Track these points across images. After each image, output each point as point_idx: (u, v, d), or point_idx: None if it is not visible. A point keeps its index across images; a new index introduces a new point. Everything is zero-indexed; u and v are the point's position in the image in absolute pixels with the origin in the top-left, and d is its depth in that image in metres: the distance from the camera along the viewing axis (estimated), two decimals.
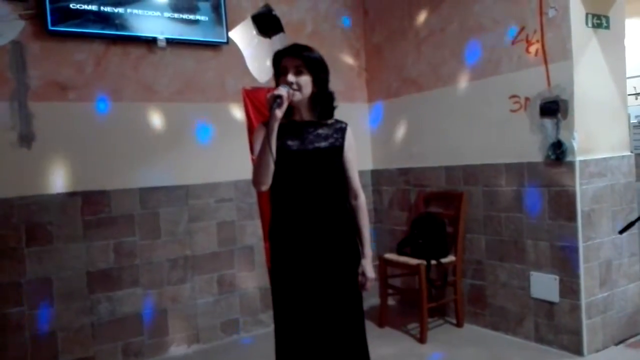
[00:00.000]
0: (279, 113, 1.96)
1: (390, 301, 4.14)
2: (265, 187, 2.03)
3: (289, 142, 2.10)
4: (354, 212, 2.20)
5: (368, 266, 2.19)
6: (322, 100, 2.14)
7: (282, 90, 1.99)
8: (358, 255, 2.19)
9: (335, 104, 2.18)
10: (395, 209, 4.40)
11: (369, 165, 4.57)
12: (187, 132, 3.66)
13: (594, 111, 3.20)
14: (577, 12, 3.13)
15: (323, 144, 2.13)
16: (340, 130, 2.18)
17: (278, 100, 1.96)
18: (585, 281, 3.13)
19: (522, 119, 3.38)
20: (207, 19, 3.64)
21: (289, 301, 2.12)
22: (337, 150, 2.15)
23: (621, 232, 2.61)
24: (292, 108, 2.10)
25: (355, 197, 2.21)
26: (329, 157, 2.14)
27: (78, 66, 3.28)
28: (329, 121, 2.19)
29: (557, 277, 3.23)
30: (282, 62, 2.10)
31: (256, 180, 2.03)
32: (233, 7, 3.79)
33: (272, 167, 1.97)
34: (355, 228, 2.20)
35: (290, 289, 2.12)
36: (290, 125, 2.12)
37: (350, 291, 2.16)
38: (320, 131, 2.15)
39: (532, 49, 3.29)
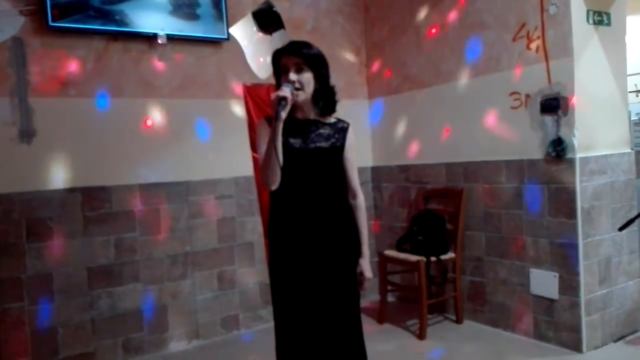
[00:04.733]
0: (284, 115, 1.93)
1: (390, 298, 4.15)
2: (275, 187, 2.02)
3: (292, 140, 2.09)
4: (352, 211, 2.20)
5: (366, 265, 2.19)
6: (324, 96, 2.14)
7: (286, 91, 1.96)
8: (357, 254, 2.19)
9: (336, 98, 2.18)
10: (395, 206, 4.41)
11: (369, 162, 4.57)
12: (188, 128, 3.66)
13: (595, 108, 3.20)
14: (578, 9, 3.12)
15: (324, 144, 2.13)
16: (342, 130, 2.18)
17: (283, 103, 1.93)
18: (584, 278, 3.14)
19: (522, 115, 3.38)
20: (207, 15, 3.64)
21: (288, 298, 2.13)
22: (338, 150, 2.16)
23: (621, 229, 2.61)
24: (294, 106, 2.09)
25: (354, 196, 2.21)
26: (329, 157, 2.13)
27: (78, 62, 3.28)
28: (332, 120, 2.19)
29: (557, 274, 3.23)
30: (282, 60, 2.08)
31: (265, 181, 2.03)
32: (233, 3, 3.78)
33: (279, 167, 1.97)
34: (355, 227, 2.20)
35: (289, 286, 2.12)
36: (293, 123, 2.10)
37: (348, 289, 2.16)
38: (322, 131, 2.15)
39: (533, 45, 3.29)
